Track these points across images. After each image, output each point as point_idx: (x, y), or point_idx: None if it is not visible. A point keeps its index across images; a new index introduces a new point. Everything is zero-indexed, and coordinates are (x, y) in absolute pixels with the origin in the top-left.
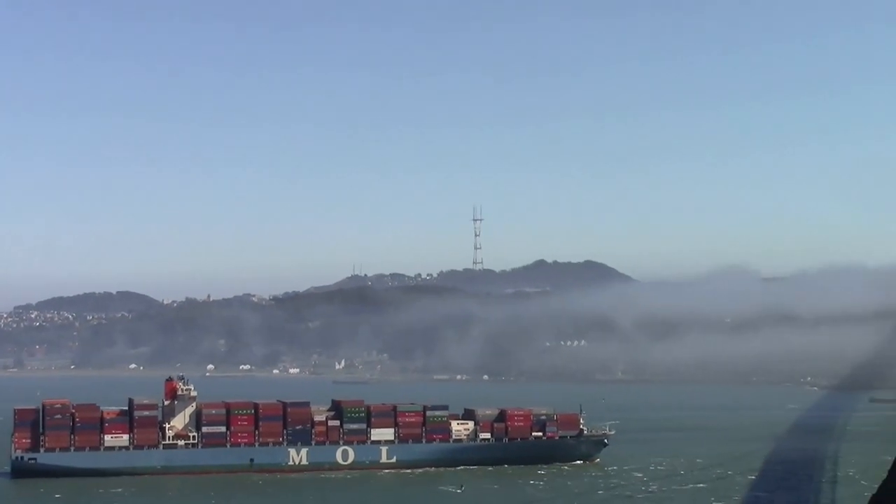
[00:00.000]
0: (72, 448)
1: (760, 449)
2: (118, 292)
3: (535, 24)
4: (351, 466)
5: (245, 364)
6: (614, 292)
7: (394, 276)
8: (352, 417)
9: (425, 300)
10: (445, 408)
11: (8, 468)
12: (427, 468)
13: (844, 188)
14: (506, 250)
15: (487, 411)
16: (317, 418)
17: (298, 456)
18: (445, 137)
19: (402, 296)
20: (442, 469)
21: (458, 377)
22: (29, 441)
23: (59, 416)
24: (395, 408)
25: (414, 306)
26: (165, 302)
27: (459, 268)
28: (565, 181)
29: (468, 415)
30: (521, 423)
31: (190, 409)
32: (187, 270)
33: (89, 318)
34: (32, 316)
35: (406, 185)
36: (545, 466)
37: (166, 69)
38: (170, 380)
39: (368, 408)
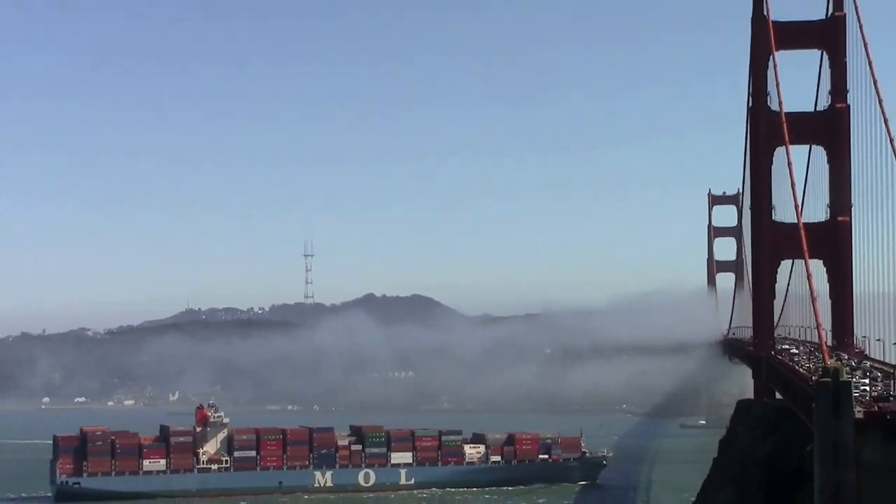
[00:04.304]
0: (113, 472)
1: None
2: None
3: (362, 66)
4: (372, 488)
5: (80, 397)
6: (440, 325)
7: (227, 309)
8: (373, 442)
9: (257, 333)
10: (459, 432)
11: (49, 493)
12: (443, 489)
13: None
14: (336, 285)
15: (497, 435)
16: (340, 443)
17: (324, 478)
18: (277, 175)
19: (235, 329)
20: (456, 490)
21: (290, 408)
22: (72, 466)
23: (100, 443)
24: (413, 433)
25: (246, 339)
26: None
27: (291, 302)
28: (393, 218)
29: (478, 439)
30: (529, 447)
31: (222, 435)
32: (23, 305)
33: None
34: None
35: (240, 221)
36: (553, 487)
37: None
38: (200, 407)
39: (388, 433)
